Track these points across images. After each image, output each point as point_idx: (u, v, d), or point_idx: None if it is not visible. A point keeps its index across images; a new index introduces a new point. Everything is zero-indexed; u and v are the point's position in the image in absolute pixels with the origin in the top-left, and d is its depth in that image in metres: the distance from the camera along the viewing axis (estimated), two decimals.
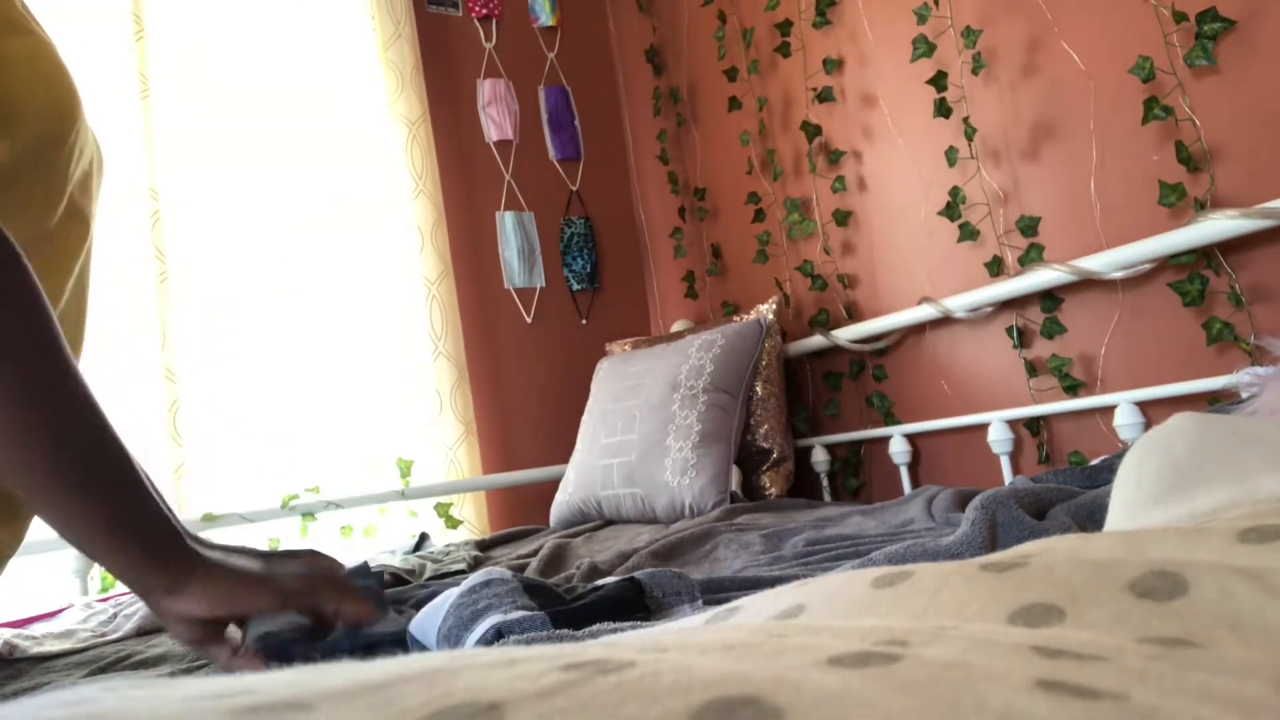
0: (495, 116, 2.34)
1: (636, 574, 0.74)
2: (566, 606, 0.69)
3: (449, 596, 0.71)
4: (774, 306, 1.87)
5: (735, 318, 1.92)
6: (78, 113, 0.74)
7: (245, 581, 0.63)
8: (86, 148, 0.76)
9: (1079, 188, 1.34)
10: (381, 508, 2.00)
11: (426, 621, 0.72)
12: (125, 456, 0.60)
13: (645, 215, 2.51)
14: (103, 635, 1.06)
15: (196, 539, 0.65)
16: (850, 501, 1.76)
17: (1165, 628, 0.24)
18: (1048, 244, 1.39)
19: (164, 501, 0.63)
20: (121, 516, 0.58)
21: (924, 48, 1.51)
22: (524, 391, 2.27)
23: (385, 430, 2.06)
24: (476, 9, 2.37)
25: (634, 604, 0.72)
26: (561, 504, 1.85)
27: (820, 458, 1.85)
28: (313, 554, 0.70)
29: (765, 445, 1.76)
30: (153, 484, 0.63)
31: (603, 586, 0.73)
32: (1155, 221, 1.24)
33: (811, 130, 1.81)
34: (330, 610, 0.65)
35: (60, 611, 1.25)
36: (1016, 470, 1.48)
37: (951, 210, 1.52)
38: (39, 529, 0.71)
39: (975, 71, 1.46)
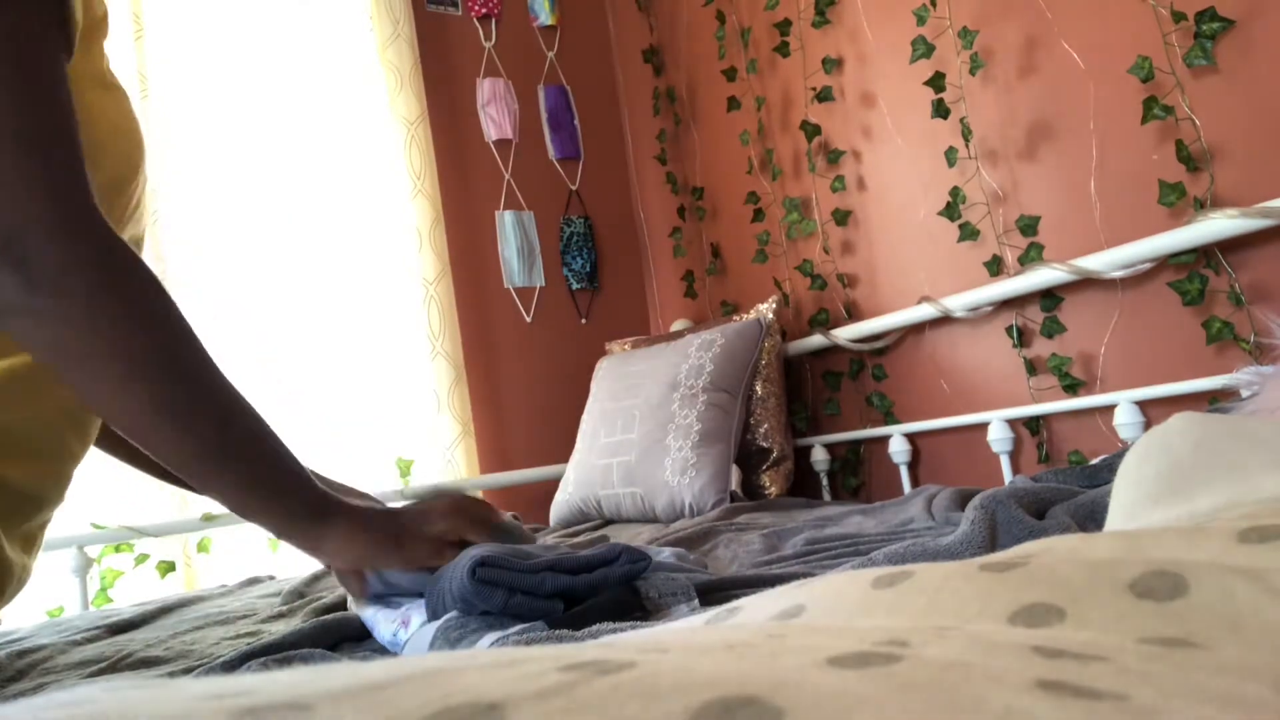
0: (494, 116, 2.34)
1: (626, 562, 0.73)
2: (563, 614, 0.69)
3: (431, 626, 0.71)
4: (773, 306, 1.87)
5: (735, 317, 1.92)
6: (141, 163, 0.79)
7: (377, 542, 0.74)
8: (143, 204, 0.81)
9: (1078, 187, 1.34)
10: None
11: (412, 649, 0.72)
12: (270, 434, 0.70)
13: (645, 215, 2.51)
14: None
15: (341, 496, 0.74)
16: (850, 501, 1.76)
17: (1165, 628, 0.24)
18: (1047, 243, 1.39)
19: (303, 467, 0.73)
20: (270, 484, 0.69)
21: (923, 49, 1.51)
22: (523, 391, 2.27)
23: (383, 430, 2.06)
24: (476, 8, 2.37)
25: (631, 605, 0.72)
26: (561, 503, 1.85)
27: (820, 457, 1.85)
28: (457, 506, 0.78)
29: (765, 445, 1.76)
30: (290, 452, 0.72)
31: (594, 568, 0.72)
32: (1155, 221, 1.24)
33: (811, 130, 1.81)
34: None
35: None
36: (1016, 470, 1.48)
37: (951, 210, 1.52)
38: None
39: (973, 72, 1.46)
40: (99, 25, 0.76)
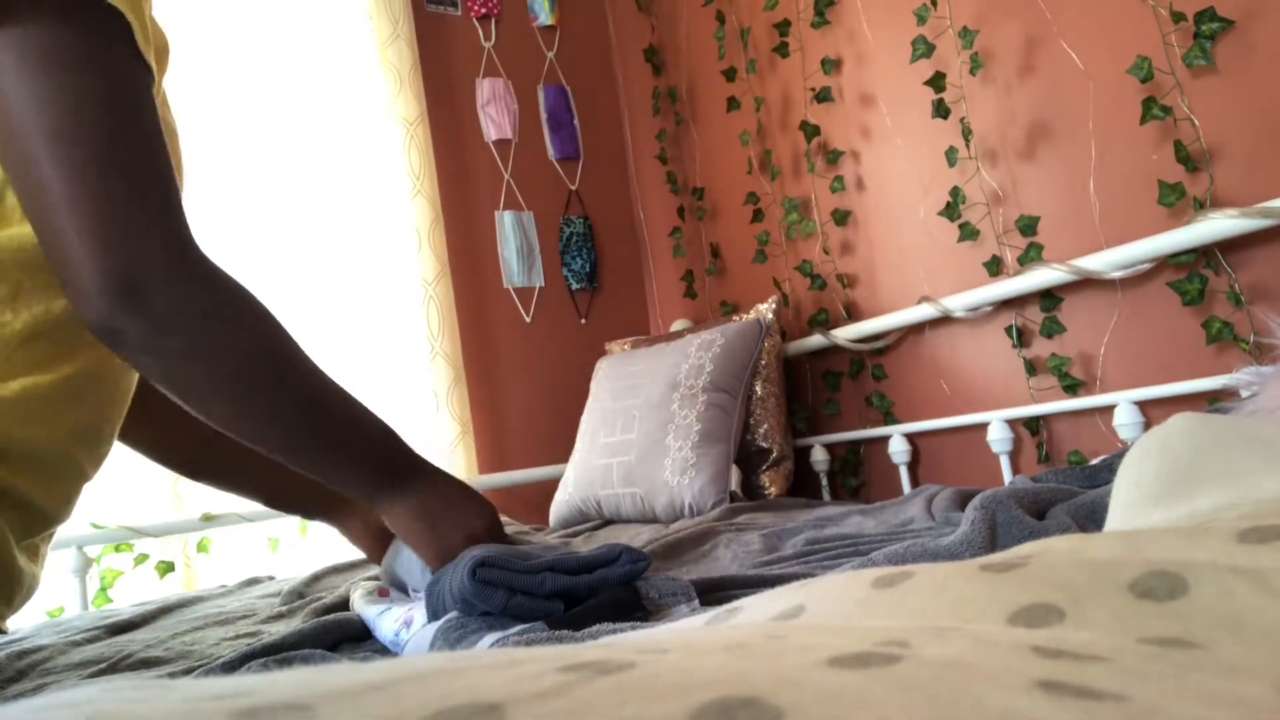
0: (494, 116, 2.34)
1: (626, 562, 0.73)
2: (563, 615, 0.69)
3: (431, 627, 0.71)
4: (773, 306, 1.87)
5: (734, 317, 1.92)
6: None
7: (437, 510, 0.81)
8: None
9: (1078, 187, 1.34)
10: None
11: (412, 650, 0.72)
12: (360, 410, 0.78)
13: (644, 215, 2.51)
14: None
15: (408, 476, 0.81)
16: (850, 501, 1.76)
17: (1165, 628, 0.24)
18: (1047, 243, 1.39)
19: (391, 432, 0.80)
20: (361, 454, 0.78)
21: (923, 48, 1.51)
22: (522, 391, 2.27)
23: None
24: (475, 8, 2.37)
25: (631, 605, 0.72)
26: (561, 503, 1.85)
27: (820, 457, 1.85)
28: (492, 524, 0.84)
29: (765, 445, 1.76)
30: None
31: (594, 568, 0.72)
32: (1154, 221, 1.24)
33: (810, 130, 1.81)
34: None
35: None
36: (1016, 470, 1.48)
37: (951, 210, 1.52)
38: None
39: (973, 72, 1.46)
40: (161, 55, 0.77)
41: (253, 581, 1.51)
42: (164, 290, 0.64)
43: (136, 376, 0.86)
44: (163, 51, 0.78)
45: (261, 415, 0.71)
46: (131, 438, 1.00)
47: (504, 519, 0.96)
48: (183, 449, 1.03)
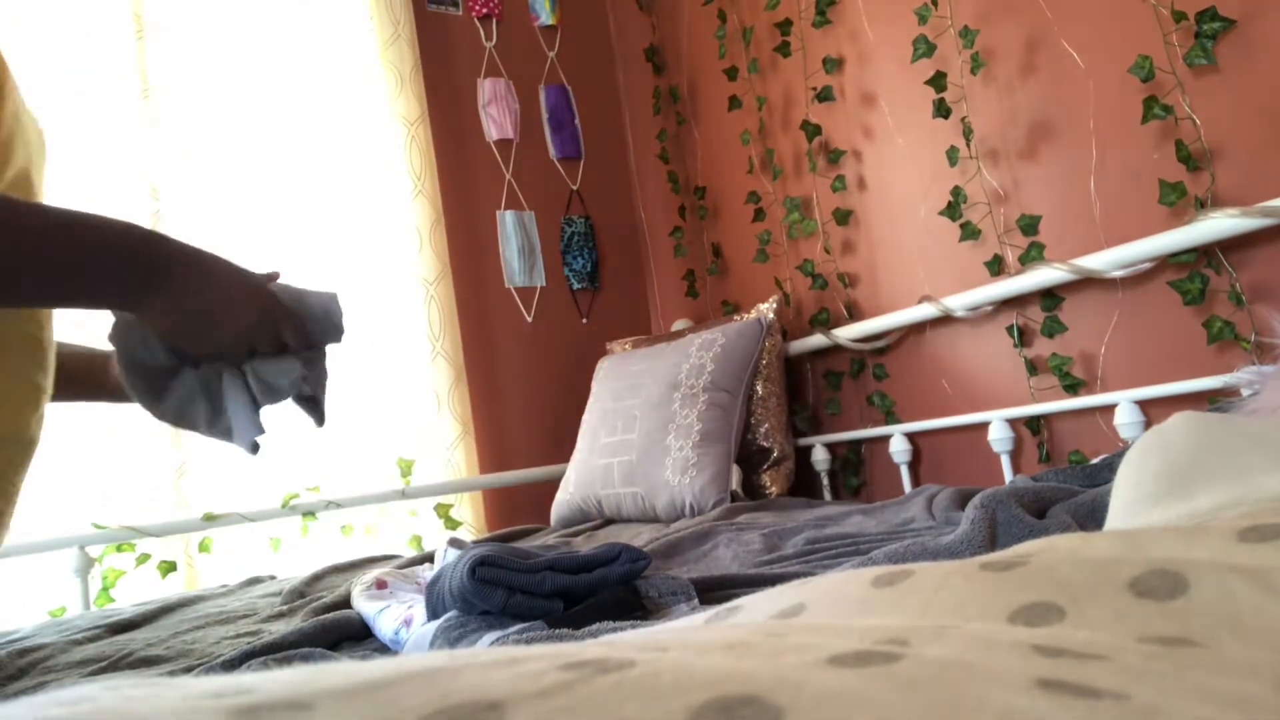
0: (495, 115, 2.34)
1: (626, 561, 0.74)
2: (563, 613, 0.69)
3: (431, 626, 0.71)
4: (774, 305, 1.87)
5: (735, 317, 1.92)
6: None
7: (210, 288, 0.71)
8: (16, 150, 0.75)
9: (1079, 187, 1.34)
10: (381, 507, 2.00)
11: (412, 648, 0.72)
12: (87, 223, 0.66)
13: (645, 214, 2.51)
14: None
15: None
16: (850, 500, 1.76)
17: (1165, 627, 0.24)
18: (1048, 243, 1.39)
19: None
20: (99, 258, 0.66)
21: (924, 48, 1.51)
22: (524, 391, 2.27)
23: (383, 430, 2.06)
24: (477, 8, 2.37)
25: (631, 604, 0.72)
26: (562, 503, 1.85)
27: (820, 457, 1.85)
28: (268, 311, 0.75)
29: (765, 444, 1.76)
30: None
31: (594, 568, 0.72)
32: (1155, 220, 1.24)
33: (811, 130, 1.81)
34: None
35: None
36: (1017, 469, 1.48)
37: (952, 209, 1.52)
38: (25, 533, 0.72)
39: (974, 71, 1.46)
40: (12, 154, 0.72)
41: (254, 581, 1.51)
42: None
43: (46, 339, 0.80)
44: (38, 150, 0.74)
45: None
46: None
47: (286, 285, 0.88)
48: None
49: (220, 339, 0.73)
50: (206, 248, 0.69)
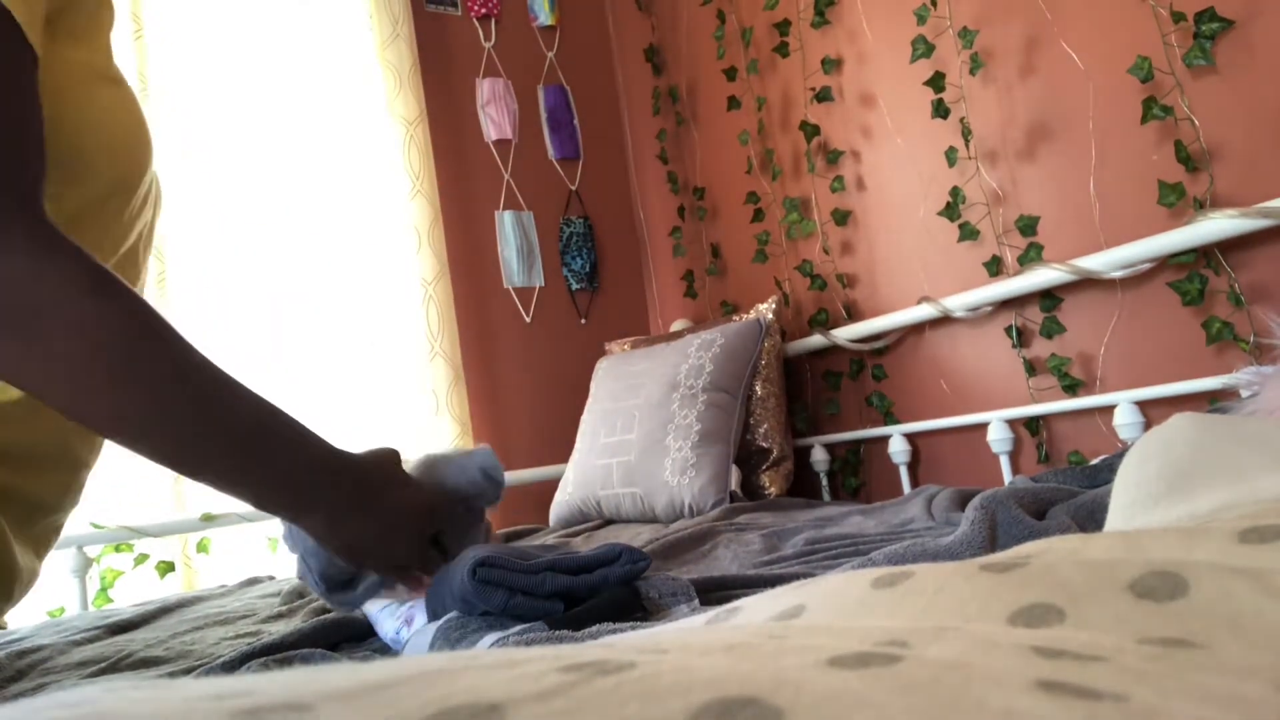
0: (494, 116, 2.34)
1: (626, 562, 0.73)
2: (563, 615, 0.69)
3: (432, 626, 0.71)
4: (773, 306, 1.87)
5: (734, 317, 1.92)
6: (149, 163, 0.76)
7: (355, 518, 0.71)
8: (151, 198, 0.78)
9: (1078, 187, 1.34)
10: None
11: (412, 650, 0.72)
12: (262, 411, 0.68)
13: (644, 215, 2.51)
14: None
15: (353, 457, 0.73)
16: (850, 501, 1.76)
17: (1165, 628, 0.24)
18: (1047, 243, 1.39)
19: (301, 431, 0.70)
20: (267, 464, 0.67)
21: (923, 48, 1.51)
22: (522, 391, 2.27)
23: (382, 431, 2.06)
24: (475, 8, 2.37)
25: (631, 605, 0.72)
26: (561, 503, 1.85)
27: (820, 457, 1.85)
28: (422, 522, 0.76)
29: (765, 445, 1.76)
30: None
31: (594, 568, 0.72)
32: (1154, 221, 1.24)
33: (810, 130, 1.81)
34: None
35: None
36: (1016, 470, 1.48)
37: (951, 210, 1.52)
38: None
39: (973, 72, 1.46)
40: (99, 14, 0.74)
41: (253, 581, 1.51)
42: (14, 283, 0.56)
43: None
44: (99, 8, 0.76)
45: (114, 411, 0.60)
46: None
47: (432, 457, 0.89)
48: None
49: (377, 564, 0.74)
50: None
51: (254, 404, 0.67)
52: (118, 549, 1.76)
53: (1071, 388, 1.37)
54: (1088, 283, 1.34)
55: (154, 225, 0.83)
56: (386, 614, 0.80)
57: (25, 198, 0.59)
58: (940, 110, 1.51)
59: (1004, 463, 1.46)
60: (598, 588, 0.71)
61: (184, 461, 0.63)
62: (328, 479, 0.70)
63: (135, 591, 1.76)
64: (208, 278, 1.93)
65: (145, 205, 0.78)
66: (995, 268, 1.48)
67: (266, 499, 0.68)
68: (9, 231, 0.57)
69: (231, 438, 0.65)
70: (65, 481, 0.78)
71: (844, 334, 1.75)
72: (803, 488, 1.89)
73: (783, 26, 1.86)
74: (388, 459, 0.76)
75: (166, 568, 1.78)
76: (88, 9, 0.72)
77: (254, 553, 1.89)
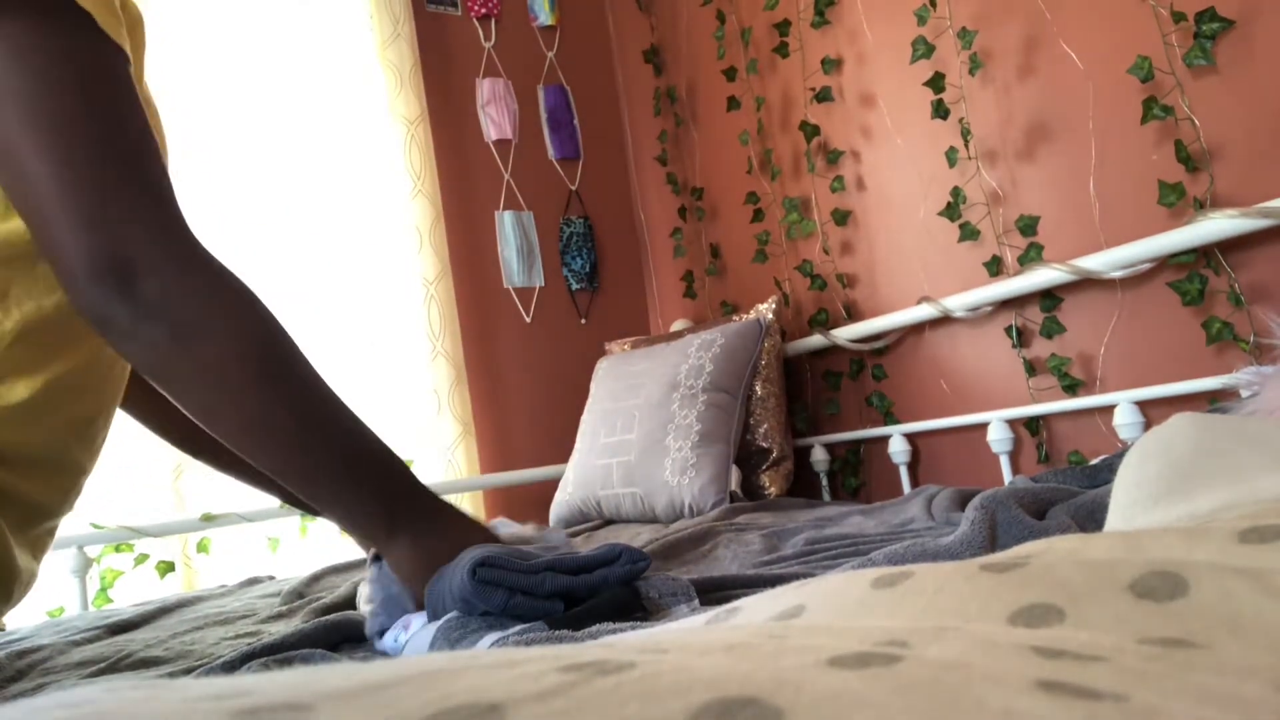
0: (494, 116, 2.34)
1: (626, 562, 0.73)
2: (563, 615, 0.69)
3: (431, 627, 0.71)
4: (773, 306, 1.87)
5: (734, 317, 1.92)
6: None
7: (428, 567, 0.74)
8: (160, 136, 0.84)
9: (1078, 187, 1.34)
10: None
11: (412, 650, 0.72)
12: (365, 436, 0.73)
13: (644, 215, 2.51)
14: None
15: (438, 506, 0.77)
16: (850, 501, 1.76)
17: (1165, 628, 0.24)
18: (1047, 243, 1.39)
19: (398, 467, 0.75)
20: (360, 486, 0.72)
21: (923, 49, 1.51)
22: (523, 391, 2.27)
23: (383, 430, 2.06)
24: (475, 8, 2.37)
25: (631, 605, 0.72)
26: (561, 503, 1.85)
27: (820, 457, 1.85)
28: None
29: (765, 445, 1.76)
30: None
31: (594, 568, 0.72)
32: (1154, 221, 1.24)
33: (810, 130, 1.81)
34: None
35: None
36: (1016, 470, 1.48)
37: (951, 210, 1.52)
38: None
39: (973, 72, 1.46)
40: (133, 38, 0.76)
41: (253, 581, 1.51)
42: (150, 273, 0.62)
43: (129, 366, 0.85)
44: (136, 25, 0.78)
45: (246, 418, 0.66)
46: (133, 406, 1.00)
47: (505, 520, 0.92)
48: (183, 423, 1.01)
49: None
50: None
51: (358, 423, 0.72)
52: (118, 549, 1.76)
53: (1071, 388, 1.37)
54: (1088, 283, 1.34)
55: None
56: (378, 620, 0.80)
57: (175, 214, 0.65)
58: (940, 110, 1.51)
59: (1004, 463, 1.46)
60: (598, 588, 0.71)
61: (293, 470, 0.68)
62: (416, 504, 0.75)
63: (135, 591, 1.76)
64: None
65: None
66: (995, 268, 1.48)
67: (358, 516, 0.73)
68: (167, 248, 0.63)
69: (336, 452, 0.70)
70: (65, 486, 0.78)
71: (844, 334, 1.75)
72: (803, 488, 1.89)
73: (783, 27, 1.86)
74: (458, 512, 0.80)
75: (166, 568, 1.78)
76: (129, 20, 0.75)
77: (254, 553, 1.89)
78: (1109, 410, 1.31)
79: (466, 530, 0.76)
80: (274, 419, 0.67)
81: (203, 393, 0.65)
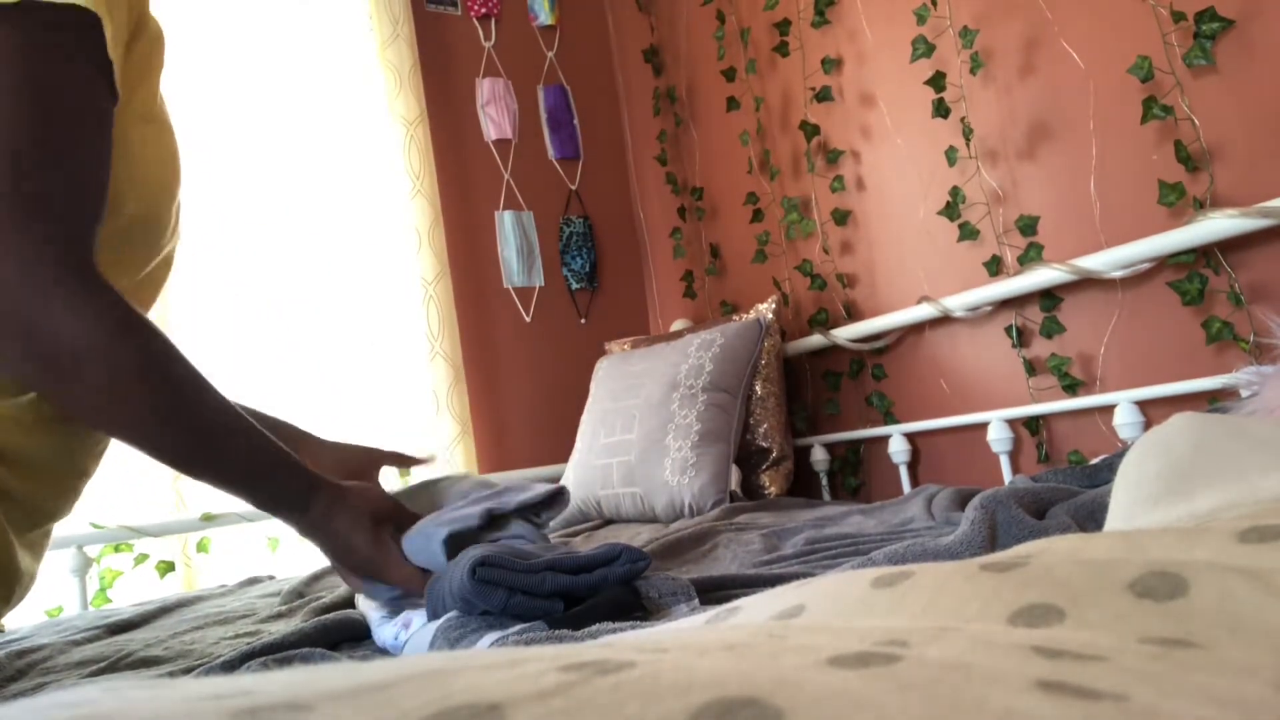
0: (494, 115, 2.34)
1: (626, 561, 0.73)
2: (563, 614, 0.69)
3: (431, 626, 0.71)
4: (773, 306, 1.87)
5: (734, 317, 1.92)
6: (175, 197, 0.81)
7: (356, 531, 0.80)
8: (173, 227, 0.82)
9: (1078, 187, 1.34)
10: None
11: (412, 649, 0.72)
12: (255, 434, 0.74)
13: (644, 215, 2.51)
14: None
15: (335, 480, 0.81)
16: (850, 501, 1.76)
17: (1165, 628, 0.24)
18: (1047, 243, 1.39)
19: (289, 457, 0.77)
20: (256, 472, 0.75)
21: (923, 48, 1.51)
22: (522, 391, 2.27)
23: (382, 430, 2.06)
24: (475, 8, 2.37)
25: (631, 605, 0.72)
26: None
27: (820, 457, 1.85)
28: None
29: (764, 444, 1.76)
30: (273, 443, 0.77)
31: (594, 568, 0.72)
32: (1154, 221, 1.24)
33: (810, 130, 1.81)
34: None
35: None
36: (1016, 469, 1.48)
37: (951, 210, 1.52)
38: None
39: (973, 71, 1.46)
40: (151, 58, 0.76)
41: (252, 581, 1.51)
42: (53, 328, 0.62)
43: None
44: (157, 41, 0.78)
45: (142, 434, 0.68)
46: None
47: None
48: None
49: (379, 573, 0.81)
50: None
51: (245, 433, 0.74)
52: (117, 549, 1.76)
53: (1071, 387, 1.37)
54: (1088, 282, 1.34)
55: (175, 250, 0.86)
56: (385, 624, 0.80)
57: (75, 247, 0.64)
58: (940, 110, 1.51)
59: (1004, 462, 1.46)
60: (597, 587, 0.71)
61: (184, 471, 0.72)
62: (308, 488, 0.78)
63: (135, 591, 1.76)
64: (209, 278, 1.93)
65: (170, 234, 0.81)
66: (995, 267, 1.48)
67: (263, 504, 0.77)
68: (56, 280, 0.62)
69: (222, 454, 0.72)
70: (67, 489, 0.79)
71: (844, 334, 1.75)
72: (803, 487, 1.89)
73: (783, 26, 1.86)
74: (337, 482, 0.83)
75: (166, 567, 1.78)
76: (142, 51, 0.74)
77: (254, 553, 1.89)
78: (1109, 410, 1.31)
79: (361, 493, 0.82)
80: (148, 430, 0.68)
81: (88, 409, 0.66)
